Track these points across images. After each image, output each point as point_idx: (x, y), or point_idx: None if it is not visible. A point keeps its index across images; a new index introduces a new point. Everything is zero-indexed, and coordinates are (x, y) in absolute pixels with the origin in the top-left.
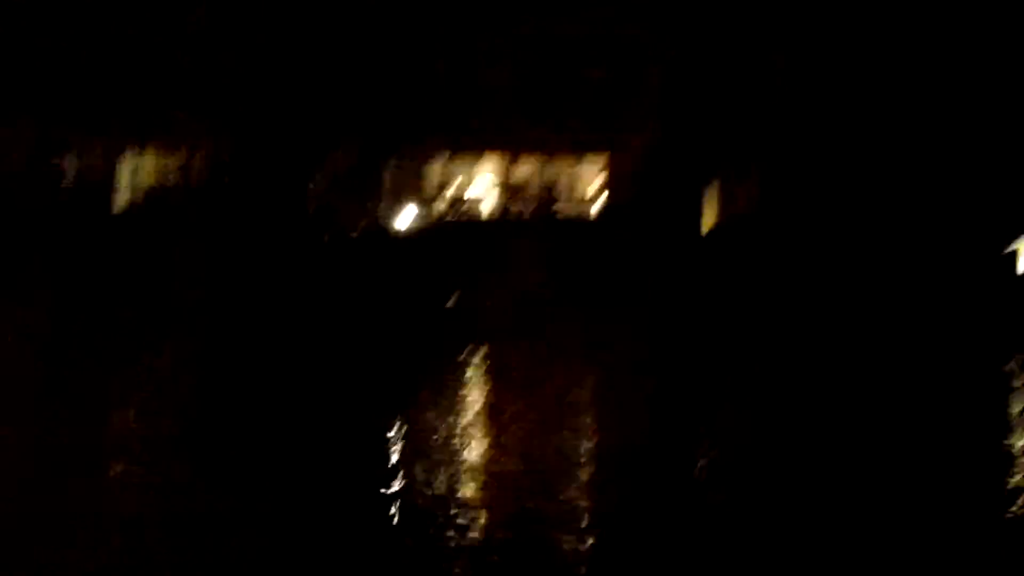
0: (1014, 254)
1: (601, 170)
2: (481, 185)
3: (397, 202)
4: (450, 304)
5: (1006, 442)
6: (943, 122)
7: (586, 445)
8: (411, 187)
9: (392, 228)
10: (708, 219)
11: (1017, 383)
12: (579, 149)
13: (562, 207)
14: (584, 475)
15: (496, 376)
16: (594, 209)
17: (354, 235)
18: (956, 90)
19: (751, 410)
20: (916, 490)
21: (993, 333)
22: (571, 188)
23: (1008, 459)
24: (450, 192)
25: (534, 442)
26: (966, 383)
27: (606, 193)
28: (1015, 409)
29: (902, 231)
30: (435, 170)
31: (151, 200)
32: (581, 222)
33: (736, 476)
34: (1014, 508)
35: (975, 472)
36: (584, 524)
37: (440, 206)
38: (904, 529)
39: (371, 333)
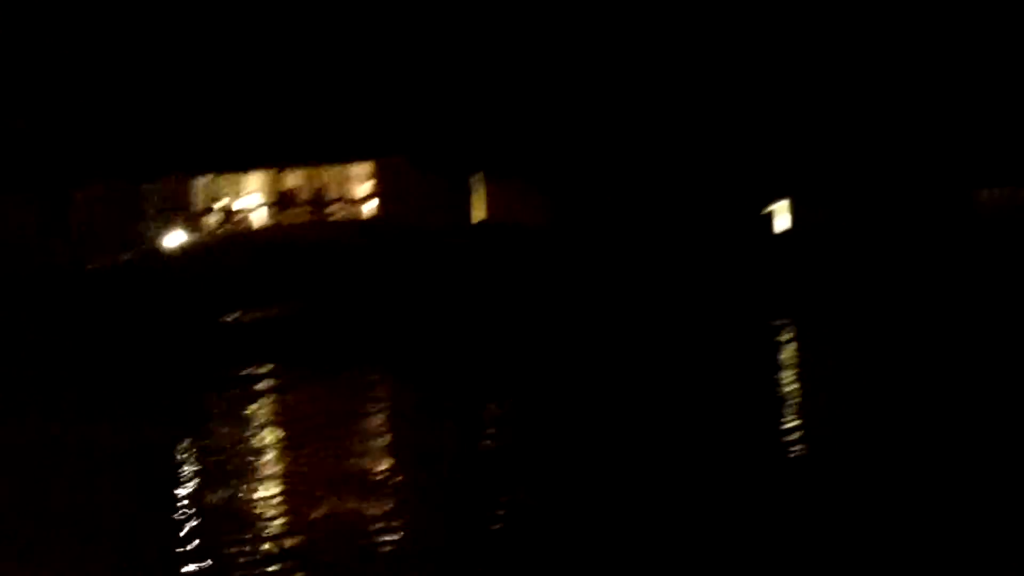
0: (770, 216)
1: (370, 175)
2: (251, 197)
3: (165, 221)
4: (230, 319)
5: (776, 390)
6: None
7: (375, 461)
8: (178, 205)
9: (162, 247)
10: (477, 217)
11: (780, 336)
12: (345, 158)
13: (334, 212)
14: (364, 487)
15: (281, 392)
16: (366, 211)
17: (125, 258)
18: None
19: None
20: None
21: (755, 289)
22: (341, 194)
23: (779, 406)
24: (219, 206)
25: (319, 458)
26: (736, 336)
27: (377, 196)
28: (781, 357)
29: (668, 199)
30: (201, 186)
31: None
32: (354, 225)
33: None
34: (790, 451)
35: (748, 421)
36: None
37: (211, 221)
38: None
39: (149, 354)
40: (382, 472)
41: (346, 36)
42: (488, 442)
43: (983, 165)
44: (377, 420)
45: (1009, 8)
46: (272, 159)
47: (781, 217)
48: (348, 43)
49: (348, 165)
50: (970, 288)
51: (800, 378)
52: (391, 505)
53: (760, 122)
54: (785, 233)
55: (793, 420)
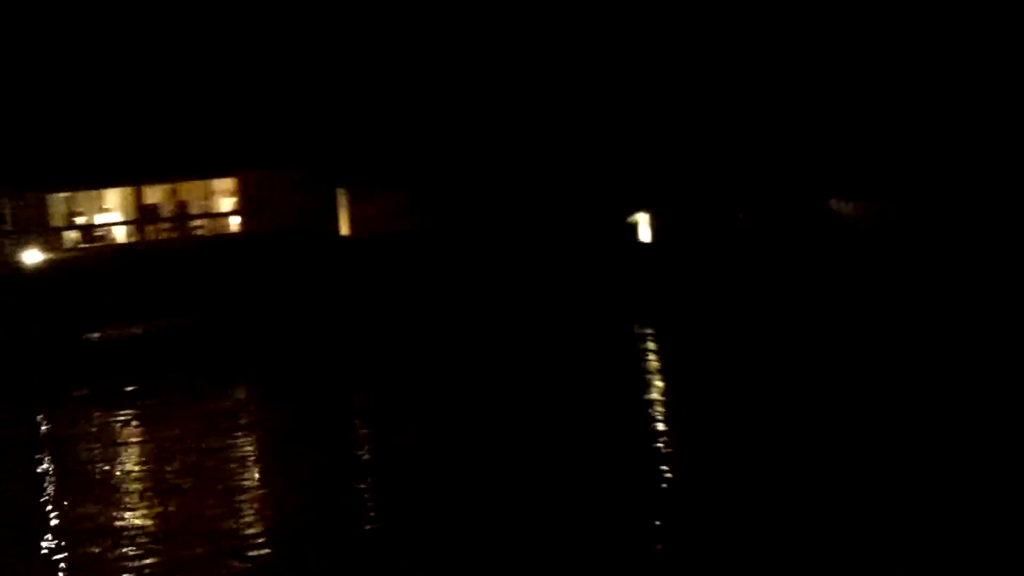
0: (634, 225)
1: (232, 190)
2: (112, 213)
3: (24, 238)
4: (94, 336)
5: (637, 396)
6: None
7: (237, 476)
8: (36, 221)
9: (21, 264)
10: (343, 229)
11: (642, 343)
12: (207, 174)
13: (197, 227)
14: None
15: (143, 408)
16: (230, 225)
17: None
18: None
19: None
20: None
21: (619, 295)
22: (204, 208)
23: (635, 410)
24: (81, 221)
25: (179, 473)
26: (598, 341)
27: (240, 211)
28: (643, 365)
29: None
30: (60, 203)
31: None
32: (218, 240)
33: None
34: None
35: (606, 423)
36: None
37: (71, 237)
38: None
39: (9, 371)
40: (244, 487)
41: (206, 55)
42: (359, 453)
43: (835, 178)
44: (241, 435)
45: (864, 31)
46: (133, 175)
47: (644, 227)
48: (208, 61)
49: (210, 180)
50: (825, 295)
51: (660, 381)
52: (255, 518)
53: (620, 133)
54: (649, 243)
55: (650, 421)
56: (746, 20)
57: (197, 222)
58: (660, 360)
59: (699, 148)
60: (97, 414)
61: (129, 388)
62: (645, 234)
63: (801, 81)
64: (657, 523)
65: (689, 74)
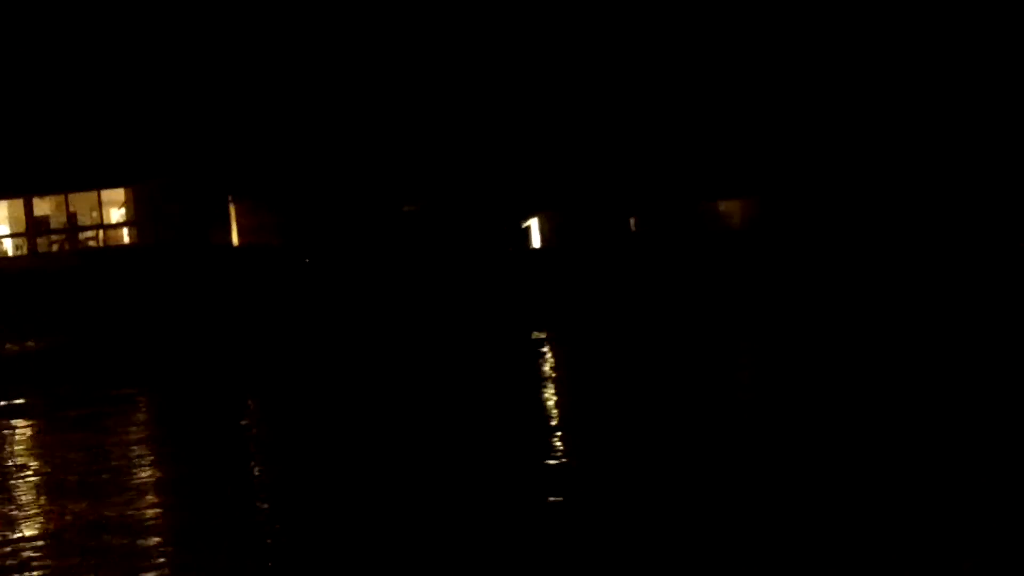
0: (526, 230)
1: (123, 202)
2: (2, 225)
3: None
4: (13, 348)
5: (536, 397)
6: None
7: (131, 496)
8: None
9: None
10: (233, 239)
11: (537, 349)
12: (97, 185)
13: (88, 239)
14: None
15: (35, 427)
16: (121, 236)
17: None
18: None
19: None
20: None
21: (511, 301)
22: (95, 220)
23: (535, 412)
24: None
25: (68, 495)
26: (495, 347)
27: (131, 222)
28: (537, 369)
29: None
30: None
31: None
32: (109, 252)
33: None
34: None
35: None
36: None
37: None
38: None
39: None
40: (137, 508)
41: (93, 60)
42: (250, 467)
43: (718, 178)
44: (135, 452)
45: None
46: (21, 188)
47: (535, 232)
48: (95, 67)
49: (101, 191)
50: (711, 294)
51: (553, 388)
52: (149, 542)
53: (508, 137)
54: (540, 248)
55: (547, 429)
56: (632, 25)
57: (87, 234)
58: (554, 364)
59: (588, 152)
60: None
61: (19, 403)
62: (536, 239)
63: (684, 84)
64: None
65: (572, 79)
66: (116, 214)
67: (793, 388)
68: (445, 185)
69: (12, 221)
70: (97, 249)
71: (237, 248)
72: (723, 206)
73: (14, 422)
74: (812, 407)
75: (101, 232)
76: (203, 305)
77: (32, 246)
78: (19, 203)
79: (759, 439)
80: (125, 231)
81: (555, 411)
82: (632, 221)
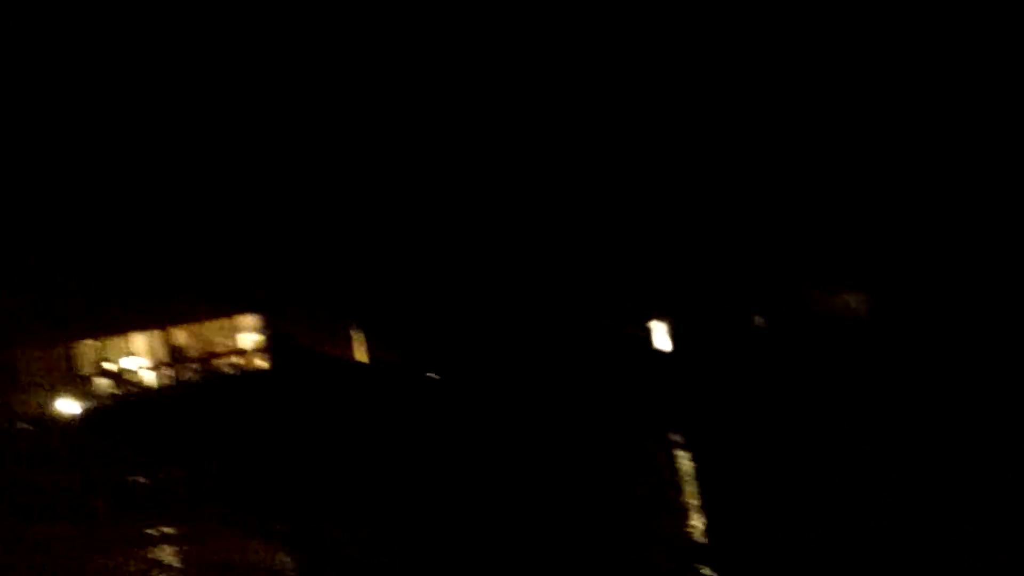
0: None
1: (256, 327)
2: (139, 358)
3: (53, 388)
4: (142, 480)
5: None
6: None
7: None
8: (63, 371)
9: (56, 414)
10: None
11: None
12: (231, 312)
13: (223, 366)
14: None
15: (189, 552)
16: (261, 362)
17: (19, 428)
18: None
19: None
20: None
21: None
22: (229, 347)
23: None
24: (108, 368)
25: None
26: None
27: (264, 348)
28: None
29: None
30: (89, 350)
31: None
32: (245, 377)
33: None
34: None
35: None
36: None
37: (102, 384)
38: None
39: (53, 520)
40: None
41: (225, 195)
42: None
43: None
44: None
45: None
46: (158, 319)
47: (660, 335)
48: (228, 202)
49: (234, 318)
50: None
51: (696, 486)
52: None
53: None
54: (666, 351)
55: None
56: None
57: (222, 361)
58: (694, 467)
59: (707, 252)
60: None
61: (170, 530)
62: (661, 341)
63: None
64: None
65: (686, 182)
66: (248, 339)
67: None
68: (563, 291)
69: (150, 351)
70: (231, 375)
71: (364, 366)
72: (848, 298)
73: (168, 549)
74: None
75: (235, 358)
76: (335, 424)
77: (169, 375)
78: (157, 333)
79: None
80: (257, 356)
81: (710, 518)
82: (757, 318)
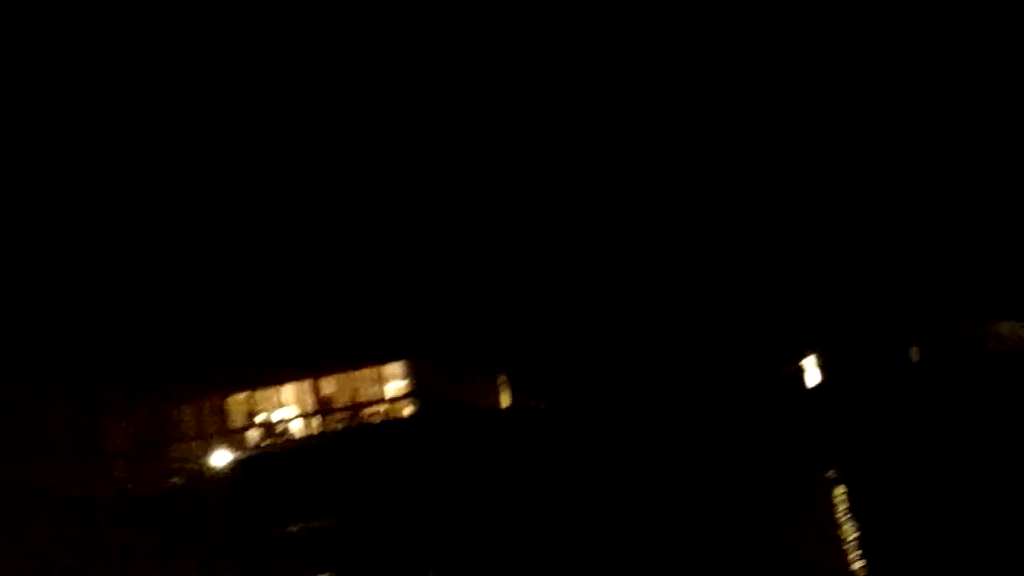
0: (801, 370)
1: (402, 375)
2: (288, 409)
3: (206, 441)
4: (295, 529)
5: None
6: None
7: None
8: (216, 423)
9: (210, 467)
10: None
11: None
12: (377, 362)
13: (370, 415)
14: None
15: None
16: (406, 410)
17: (173, 481)
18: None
19: None
20: None
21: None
22: (376, 396)
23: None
24: (260, 419)
25: None
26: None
27: (411, 395)
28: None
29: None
30: (240, 403)
31: None
32: (393, 425)
33: None
34: None
35: None
36: None
37: (253, 436)
38: None
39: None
40: None
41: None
42: None
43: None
44: None
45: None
46: (307, 371)
47: (811, 370)
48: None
49: (380, 368)
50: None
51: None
52: None
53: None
54: (816, 387)
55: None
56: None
57: (369, 410)
58: (855, 506)
59: (862, 284)
60: None
61: None
62: (813, 377)
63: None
64: None
65: (836, 213)
66: (393, 388)
67: None
68: (715, 331)
69: (299, 402)
70: (378, 424)
71: (507, 411)
72: (1003, 327)
73: None
74: None
75: (381, 407)
76: (480, 471)
77: (317, 425)
78: (304, 385)
79: None
80: (404, 404)
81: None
82: (914, 351)
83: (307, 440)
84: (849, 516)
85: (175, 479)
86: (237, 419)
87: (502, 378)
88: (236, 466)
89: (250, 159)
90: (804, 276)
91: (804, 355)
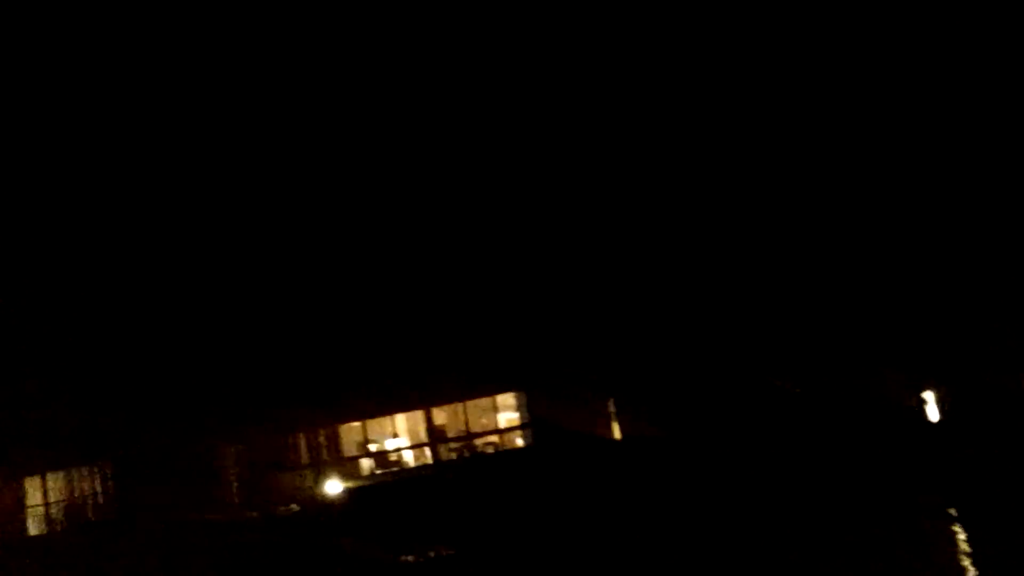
0: (923, 402)
1: (514, 405)
2: (401, 438)
3: (320, 469)
4: (410, 560)
5: None
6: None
7: None
8: (331, 452)
9: (323, 495)
10: (615, 433)
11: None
12: (490, 391)
13: (482, 445)
14: None
15: None
16: (515, 441)
17: (285, 510)
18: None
19: None
20: None
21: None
22: (487, 426)
23: None
24: (373, 448)
25: None
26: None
27: (523, 426)
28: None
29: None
30: (353, 432)
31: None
32: (505, 456)
33: None
34: None
35: None
36: None
37: (366, 464)
38: None
39: None
40: None
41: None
42: None
43: None
44: None
45: None
46: (419, 400)
47: (932, 406)
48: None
49: (492, 397)
50: None
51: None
52: None
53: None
54: (939, 421)
55: None
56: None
57: (483, 439)
58: (975, 544)
59: (983, 315)
60: None
61: None
62: (933, 412)
63: None
64: None
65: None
66: (505, 418)
67: None
68: (834, 364)
69: (410, 433)
70: (491, 454)
71: (619, 442)
72: None
73: None
74: None
75: (494, 437)
76: (593, 502)
77: (431, 455)
78: (417, 414)
79: None
80: (517, 434)
81: None
82: None
83: (420, 469)
84: (969, 555)
85: (289, 506)
86: (351, 448)
87: (614, 407)
88: (349, 495)
89: (381, 194)
90: (924, 308)
91: (925, 387)
